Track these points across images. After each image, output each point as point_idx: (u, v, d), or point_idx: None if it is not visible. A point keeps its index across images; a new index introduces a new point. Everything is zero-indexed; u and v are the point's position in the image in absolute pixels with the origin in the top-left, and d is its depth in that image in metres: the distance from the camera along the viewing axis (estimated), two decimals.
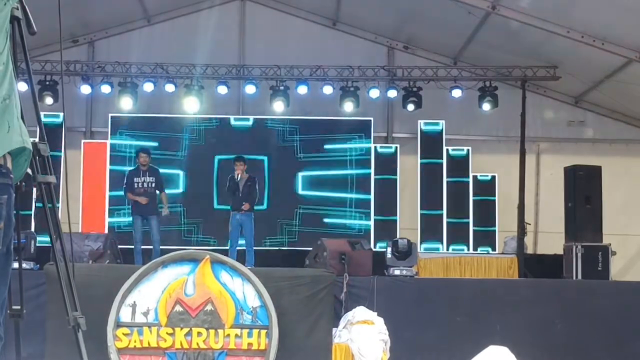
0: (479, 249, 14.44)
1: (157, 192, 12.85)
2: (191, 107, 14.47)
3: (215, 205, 14.64)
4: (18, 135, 3.11)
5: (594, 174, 12.66)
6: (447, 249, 14.44)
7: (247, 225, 12.63)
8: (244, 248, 12.64)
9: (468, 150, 14.90)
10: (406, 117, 15.11)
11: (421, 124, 14.93)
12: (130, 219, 13.19)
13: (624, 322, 10.26)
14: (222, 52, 14.89)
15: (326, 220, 14.71)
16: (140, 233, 12.66)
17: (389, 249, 11.25)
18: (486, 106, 14.49)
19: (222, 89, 14.55)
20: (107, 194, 14.56)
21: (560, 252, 12.51)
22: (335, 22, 15.48)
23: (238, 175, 12.66)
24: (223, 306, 8.62)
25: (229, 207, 13.08)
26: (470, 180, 14.78)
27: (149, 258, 12.12)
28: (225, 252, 10.71)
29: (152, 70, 14.43)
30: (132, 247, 12.66)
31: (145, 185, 12.73)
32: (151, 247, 12.47)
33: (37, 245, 10.90)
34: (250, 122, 15.14)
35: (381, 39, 15.52)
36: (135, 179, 12.75)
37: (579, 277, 11.74)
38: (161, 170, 13.30)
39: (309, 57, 14.62)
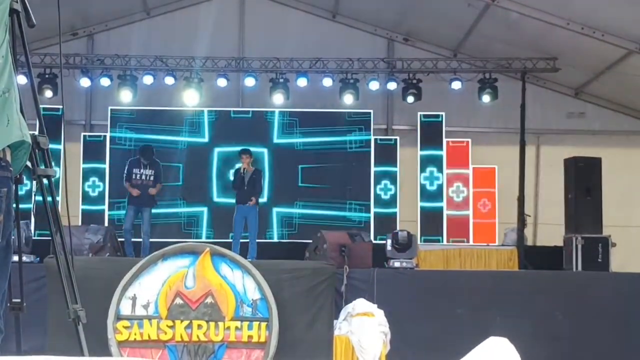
0: (478, 241, 14.43)
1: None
2: (191, 99, 14.46)
3: (215, 198, 14.64)
4: (17, 128, 3.12)
5: (594, 165, 12.65)
6: (447, 241, 14.44)
7: (251, 218, 12.64)
8: (247, 241, 12.65)
9: (468, 142, 14.90)
10: (406, 109, 15.11)
11: (421, 116, 14.92)
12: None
13: (624, 314, 10.27)
14: (221, 45, 14.87)
15: (326, 212, 14.71)
16: (130, 224, 12.70)
17: (389, 241, 11.24)
18: (486, 98, 14.50)
19: (222, 82, 14.54)
20: (107, 187, 14.56)
21: (560, 243, 12.51)
22: (334, 14, 15.45)
23: (244, 168, 12.67)
24: (223, 299, 8.62)
25: (229, 200, 13.08)
26: (470, 172, 14.78)
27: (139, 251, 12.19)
28: (224, 245, 10.69)
29: (152, 63, 14.42)
30: None
31: (143, 177, 12.74)
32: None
33: (35, 238, 10.86)
34: (249, 115, 15.13)
35: (381, 31, 15.49)
36: (135, 170, 12.76)
37: (579, 268, 11.74)
38: (161, 163, 13.27)
39: (308, 50, 14.61)
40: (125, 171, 12.95)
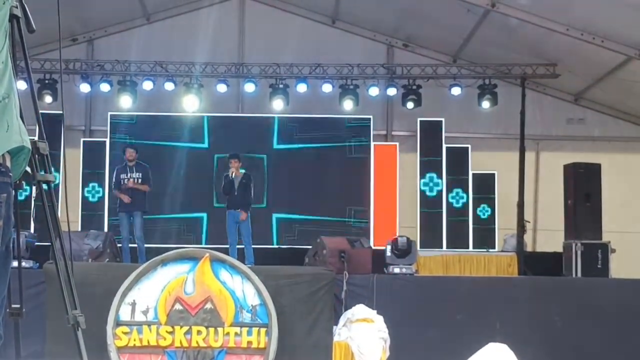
0: (478, 247, 14.42)
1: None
2: (190, 105, 14.47)
3: (215, 204, 14.63)
4: (17, 134, 3.11)
5: (593, 171, 12.64)
6: (447, 247, 14.43)
7: (243, 224, 12.57)
8: (242, 247, 12.62)
9: (467, 148, 14.90)
10: (406, 115, 15.12)
11: (421, 122, 14.92)
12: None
13: (624, 320, 10.25)
14: (221, 51, 14.89)
15: (326, 218, 14.70)
16: (127, 231, 12.59)
17: (389, 247, 11.23)
18: (486, 104, 14.51)
19: (222, 87, 14.56)
20: (107, 192, 14.55)
21: (560, 249, 12.49)
22: (334, 20, 15.48)
23: (232, 173, 12.58)
24: (223, 304, 8.62)
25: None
26: (470, 178, 14.78)
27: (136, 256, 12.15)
28: (225, 251, 10.70)
29: (152, 68, 14.44)
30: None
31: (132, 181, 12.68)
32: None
33: (26, 242, 10.69)
34: (249, 121, 15.13)
35: (380, 37, 15.52)
36: (122, 175, 12.69)
37: (579, 274, 11.73)
38: (161, 169, 13.25)
39: (308, 55, 14.63)
40: (114, 179, 12.87)
